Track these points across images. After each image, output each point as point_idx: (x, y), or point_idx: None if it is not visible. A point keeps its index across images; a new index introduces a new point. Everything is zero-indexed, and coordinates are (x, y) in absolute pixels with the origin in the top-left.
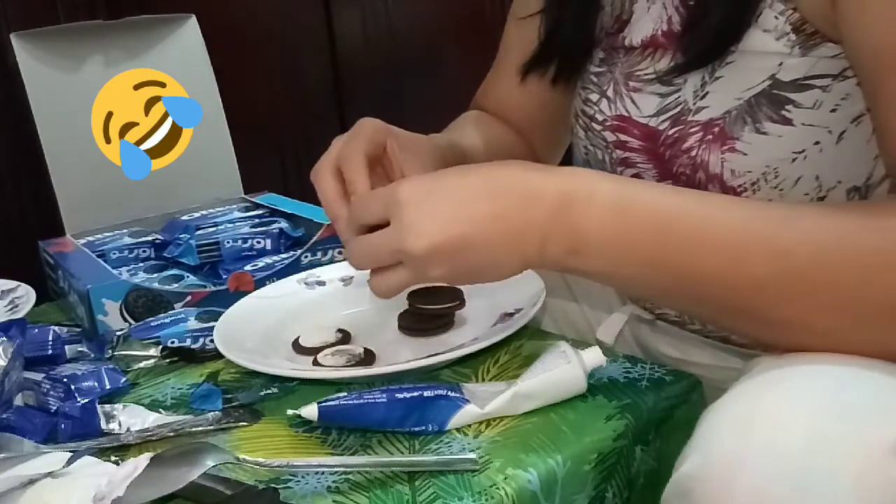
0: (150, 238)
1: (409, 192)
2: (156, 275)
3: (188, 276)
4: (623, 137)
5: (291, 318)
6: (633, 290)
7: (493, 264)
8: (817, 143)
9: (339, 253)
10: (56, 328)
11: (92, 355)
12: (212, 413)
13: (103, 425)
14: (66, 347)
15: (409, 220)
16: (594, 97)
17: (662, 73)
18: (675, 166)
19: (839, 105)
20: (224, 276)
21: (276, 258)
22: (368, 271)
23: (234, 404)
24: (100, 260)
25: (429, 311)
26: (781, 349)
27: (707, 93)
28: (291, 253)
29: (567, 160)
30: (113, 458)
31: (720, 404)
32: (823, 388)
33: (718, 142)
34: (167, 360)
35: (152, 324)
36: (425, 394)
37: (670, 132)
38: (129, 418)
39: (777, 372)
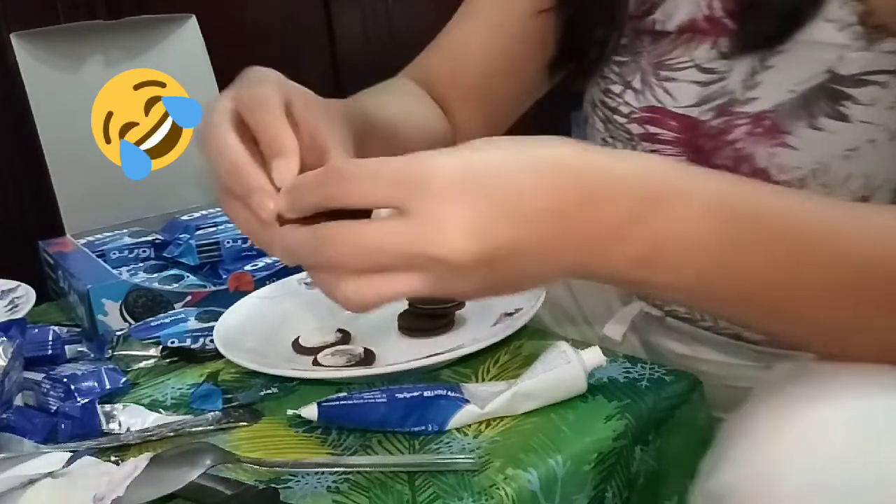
0: (150, 238)
1: (448, 176)
2: (156, 275)
3: (188, 276)
4: (653, 130)
5: (291, 318)
6: (703, 306)
7: (540, 272)
8: (872, 140)
9: None
10: (56, 328)
11: (92, 355)
12: (212, 413)
13: (103, 425)
14: (66, 347)
15: (452, 215)
16: (616, 88)
17: (724, 54)
18: (714, 158)
19: None
20: (224, 276)
21: (276, 258)
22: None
23: (234, 404)
24: (100, 260)
25: (429, 311)
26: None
27: (758, 83)
28: None
29: None
30: (113, 458)
31: (752, 412)
32: (862, 396)
33: (769, 135)
34: (167, 360)
35: (152, 324)
36: (425, 394)
37: (713, 123)
38: (129, 418)
39: (812, 378)
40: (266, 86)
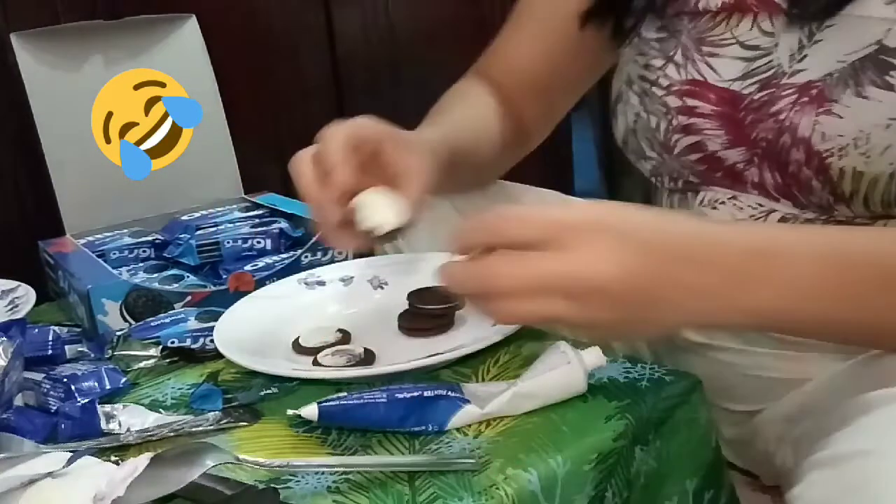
0: (150, 238)
1: (580, 218)
2: (156, 275)
3: (188, 276)
4: (692, 103)
5: (291, 318)
6: (806, 334)
7: (669, 317)
8: None
9: (339, 253)
10: (56, 328)
11: (92, 355)
12: (212, 413)
13: (103, 425)
14: (66, 347)
15: (602, 252)
16: (657, 62)
17: (766, 31)
18: (754, 132)
19: None
20: (224, 276)
21: (276, 258)
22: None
23: (234, 404)
24: (100, 260)
25: (428, 311)
26: None
27: (805, 55)
28: (291, 253)
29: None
30: (113, 458)
31: (883, 446)
32: None
33: (814, 103)
34: (167, 360)
35: (152, 324)
36: (425, 394)
37: (757, 96)
38: (129, 418)
39: None
40: (339, 125)
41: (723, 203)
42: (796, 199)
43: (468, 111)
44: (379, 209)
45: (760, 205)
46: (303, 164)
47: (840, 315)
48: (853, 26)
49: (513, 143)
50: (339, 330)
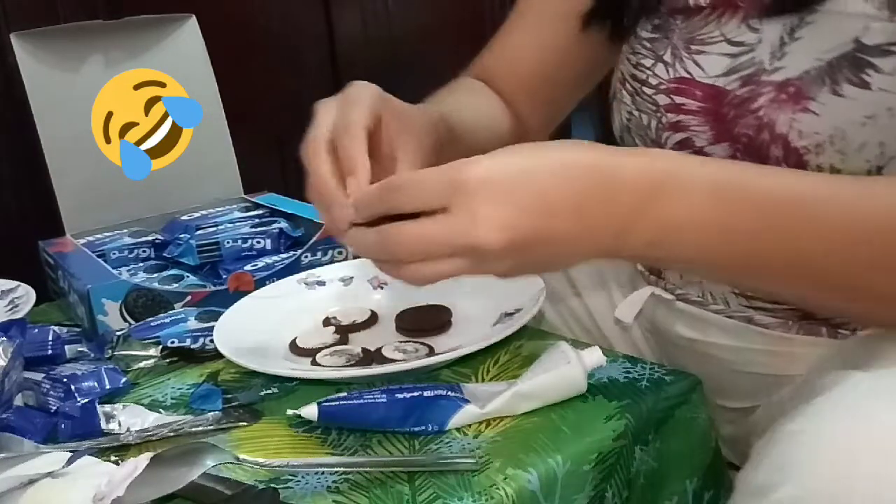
0: (150, 238)
1: (479, 179)
2: (156, 275)
3: (188, 276)
4: (679, 100)
5: (291, 318)
6: (715, 276)
7: (565, 256)
8: (889, 108)
9: (339, 253)
10: (56, 328)
11: (92, 355)
12: (212, 413)
13: (103, 425)
14: (66, 347)
15: (483, 212)
16: (647, 62)
17: (748, 16)
18: (736, 127)
19: None
20: (224, 276)
21: (276, 258)
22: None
23: (234, 404)
24: (100, 260)
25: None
26: (880, 325)
27: (785, 53)
28: (291, 253)
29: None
30: (113, 458)
31: (813, 424)
32: None
33: (791, 101)
34: (167, 360)
35: (152, 324)
36: (425, 394)
37: (739, 92)
38: (129, 418)
39: (879, 386)
40: (354, 108)
41: None
42: None
43: (470, 96)
44: None
45: None
46: (320, 157)
47: (726, 248)
48: (832, 23)
49: (511, 138)
50: (338, 330)
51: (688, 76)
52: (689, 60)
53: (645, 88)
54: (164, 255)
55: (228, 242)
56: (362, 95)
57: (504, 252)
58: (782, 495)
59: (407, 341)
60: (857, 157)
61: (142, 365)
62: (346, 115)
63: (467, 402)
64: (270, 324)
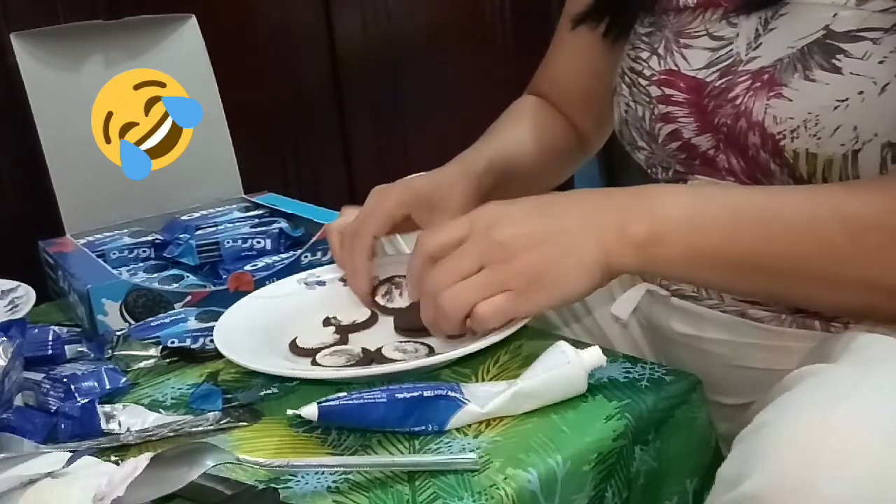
0: (150, 238)
1: (489, 205)
2: (156, 275)
3: (188, 276)
4: (668, 91)
5: (291, 318)
6: (709, 278)
7: (577, 253)
8: (861, 92)
9: None
10: (56, 328)
11: (92, 355)
12: (212, 413)
13: (103, 425)
14: (66, 347)
15: (497, 215)
16: (644, 55)
17: (728, 12)
18: (717, 117)
19: (887, 58)
20: (224, 276)
21: (276, 258)
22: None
23: (234, 404)
24: (100, 260)
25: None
26: (850, 314)
27: (760, 44)
28: (291, 253)
29: (610, 147)
30: (113, 458)
31: (779, 417)
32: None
33: (766, 88)
34: (167, 360)
35: (152, 324)
36: (425, 394)
37: (717, 83)
38: (129, 418)
39: (843, 380)
40: (371, 221)
41: None
42: (762, 184)
43: (527, 122)
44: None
45: None
46: (333, 240)
47: (727, 248)
48: (803, 13)
49: (570, 148)
50: (338, 330)
51: (675, 68)
52: (677, 53)
53: (640, 80)
54: (164, 255)
55: (228, 242)
56: (377, 210)
57: (521, 242)
58: (748, 487)
59: (407, 341)
60: (831, 142)
61: (142, 365)
62: (357, 227)
63: (467, 401)
64: (270, 324)
